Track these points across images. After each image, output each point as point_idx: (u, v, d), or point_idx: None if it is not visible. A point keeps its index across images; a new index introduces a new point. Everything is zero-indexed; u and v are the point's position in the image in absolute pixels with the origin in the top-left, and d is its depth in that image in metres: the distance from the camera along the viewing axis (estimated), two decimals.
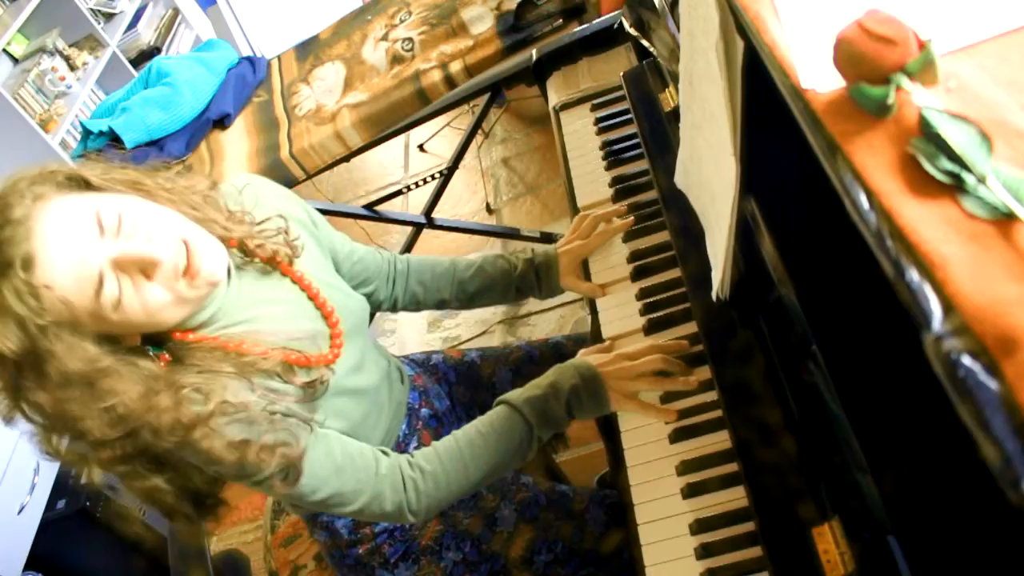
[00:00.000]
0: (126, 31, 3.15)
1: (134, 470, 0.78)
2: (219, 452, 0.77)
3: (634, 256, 1.14)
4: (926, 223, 0.45)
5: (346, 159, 1.85)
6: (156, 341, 0.83)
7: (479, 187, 2.82)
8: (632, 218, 1.17)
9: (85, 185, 0.78)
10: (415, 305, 1.18)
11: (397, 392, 1.09)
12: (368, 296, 1.11)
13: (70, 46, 2.94)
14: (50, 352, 0.70)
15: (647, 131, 1.23)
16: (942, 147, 0.48)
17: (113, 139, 1.85)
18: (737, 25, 0.67)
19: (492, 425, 0.94)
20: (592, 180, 1.30)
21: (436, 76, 1.70)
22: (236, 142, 1.86)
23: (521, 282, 1.16)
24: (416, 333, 2.47)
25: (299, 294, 0.93)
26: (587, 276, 1.16)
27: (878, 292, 0.50)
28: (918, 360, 0.44)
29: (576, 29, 1.61)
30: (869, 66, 0.52)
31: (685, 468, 0.89)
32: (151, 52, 3.16)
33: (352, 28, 1.99)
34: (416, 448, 1.00)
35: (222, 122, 1.91)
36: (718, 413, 0.90)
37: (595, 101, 1.43)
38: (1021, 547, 0.50)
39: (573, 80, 1.52)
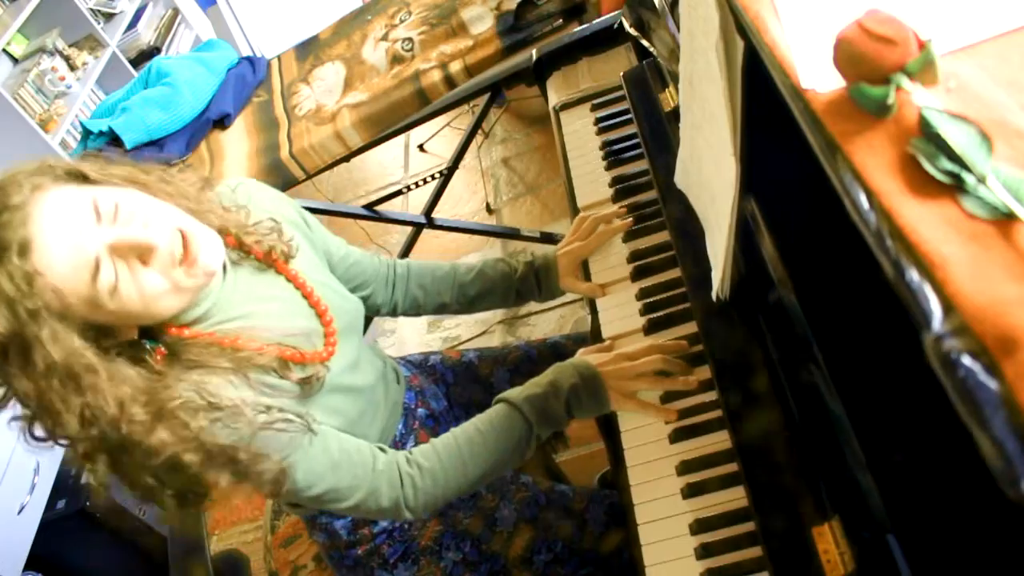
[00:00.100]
0: (126, 31, 3.15)
1: (116, 461, 0.77)
2: (197, 463, 0.77)
3: (634, 256, 1.14)
4: (926, 223, 0.45)
5: (346, 159, 1.85)
6: (152, 336, 0.83)
7: (479, 187, 2.82)
8: (631, 219, 1.18)
9: (83, 179, 0.79)
10: (415, 309, 1.18)
11: (393, 392, 1.09)
12: (365, 299, 1.11)
13: (70, 46, 2.94)
14: (37, 339, 0.70)
15: (647, 131, 1.23)
16: (942, 147, 0.48)
17: (113, 139, 1.85)
18: (737, 25, 0.67)
19: (491, 423, 0.94)
20: (592, 180, 1.30)
21: (436, 76, 1.70)
22: (236, 142, 1.86)
23: (521, 285, 1.16)
24: (416, 333, 2.47)
25: (293, 292, 0.93)
26: (587, 276, 1.16)
27: (878, 292, 0.50)
28: (918, 360, 0.44)
29: (576, 29, 1.61)
30: (869, 66, 0.52)
31: (685, 468, 0.89)
32: (151, 52, 3.16)
33: (352, 28, 1.99)
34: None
35: (222, 122, 1.91)
36: (718, 413, 0.90)
37: (595, 101, 1.43)
38: (1021, 546, 0.50)
39: (573, 80, 1.52)
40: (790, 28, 0.62)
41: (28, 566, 1.81)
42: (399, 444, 1.06)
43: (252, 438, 0.80)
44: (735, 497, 0.84)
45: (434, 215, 2.17)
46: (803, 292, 0.75)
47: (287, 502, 1.08)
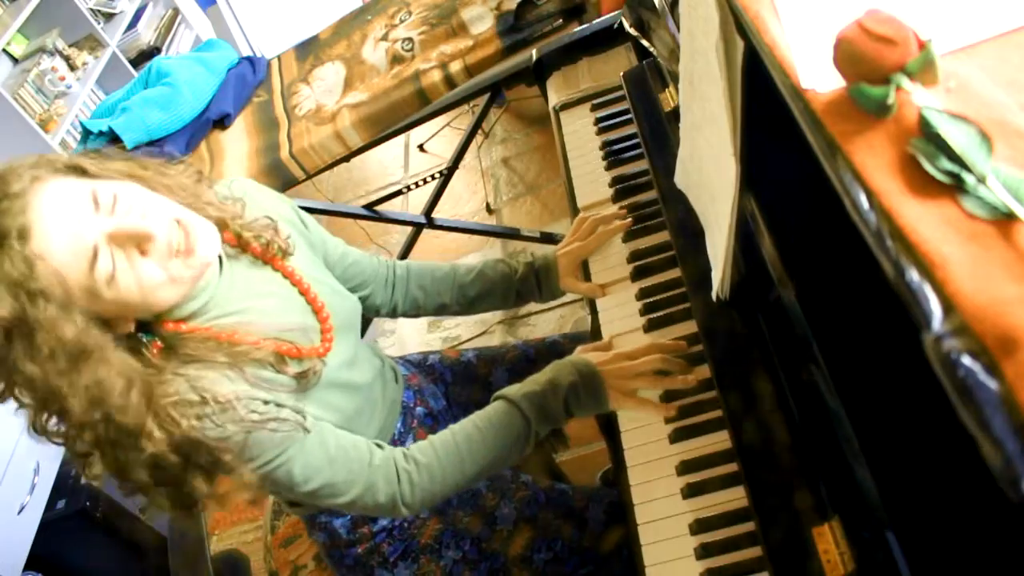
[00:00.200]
0: (126, 31, 3.15)
1: (115, 456, 0.78)
2: (178, 463, 0.77)
3: (634, 256, 1.14)
4: (926, 223, 0.45)
5: (346, 159, 1.85)
6: (149, 331, 0.83)
7: (479, 187, 2.82)
8: (631, 219, 1.18)
9: (82, 172, 0.80)
10: (415, 310, 1.18)
11: (391, 390, 1.09)
12: (364, 300, 1.12)
13: (70, 46, 2.94)
14: (39, 321, 0.70)
15: (647, 131, 1.23)
16: (942, 147, 0.48)
17: (113, 139, 1.85)
18: (737, 25, 0.67)
19: (489, 419, 0.94)
20: (592, 180, 1.30)
21: (436, 76, 1.70)
22: (236, 142, 1.86)
23: (522, 285, 1.16)
24: (416, 333, 2.47)
25: (290, 289, 0.94)
26: (587, 277, 1.16)
27: (878, 292, 0.50)
28: (918, 360, 0.44)
29: (576, 29, 1.61)
30: (869, 66, 0.52)
31: (685, 468, 0.89)
32: (151, 52, 3.16)
33: (352, 28, 1.99)
34: None
35: (222, 122, 1.91)
36: (718, 413, 0.90)
37: (595, 101, 1.43)
38: (1020, 546, 0.50)
39: (573, 80, 1.52)
40: (790, 28, 0.62)
41: (28, 566, 1.81)
42: (397, 442, 1.06)
43: (242, 436, 0.80)
44: (735, 497, 0.84)
45: (434, 215, 2.17)
46: (803, 292, 0.75)
47: (286, 500, 1.09)
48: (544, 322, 2.25)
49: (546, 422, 0.95)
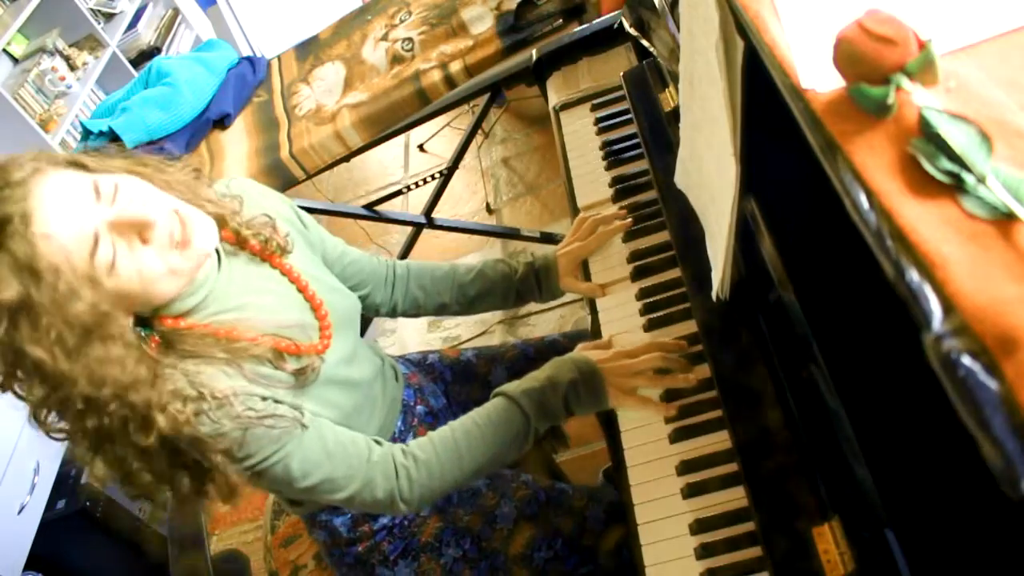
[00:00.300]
0: (126, 31, 3.15)
1: (115, 453, 0.78)
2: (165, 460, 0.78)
3: (634, 256, 1.14)
4: (926, 223, 0.45)
5: (346, 159, 1.85)
6: (147, 326, 0.83)
7: (479, 187, 2.82)
8: (631, 219, 1.18)
9: (83, 167, 0.80)
10: (415, 310, 1.18)
11: (391, 389, 1.09)
12: (364, 299, 1.12)
13: (70, 46, 2.94)
14: (44, 304, 0.71)
15: (647, 131, 1.23)
16: (942, 147, 0.48)
17: (113, 139, 1.85)
18: (737, 25, 0.67)
19: (489, 416, 0.94)
20: (592, 180, 1.30)
21: (436, 76, 1.70)
22: (236, 142, 1.86)
23: (521, 285, 1.16)
24: (416, 333, 2.47)
25: (288, 286, 0.94)
26: (587, 277, 1.16)
27: (878, 292, 0.50)
28: (918, 360, 0.44)
29: (576, 29, 1.61)
30: (869, 66, 0.52)
31: (685, 468, 0.89)
32: (151, 52, 3.16)
33: (352, 28, 1.99)
34: None
35: (222, 122, 1.91)
36: (718, 413, 0.90)
37: (595, 101, 1.43)
38: (1020, 545, 0.50)
39: (573, 80, 1.52)
40: (790, 28, 0.62)
41: (28, 566, 1.81)
42: (398, 440, 1.06)
43: (239, 433, 0.80)
44: (735, 497, 0.84)
45: (434, 215, 2.17)
46: (803, 292, 0.75)
47: (286, 499, 1.09)
48: (544, 322, 2.25)
49: (545, 419, 0.95)
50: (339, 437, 0.90)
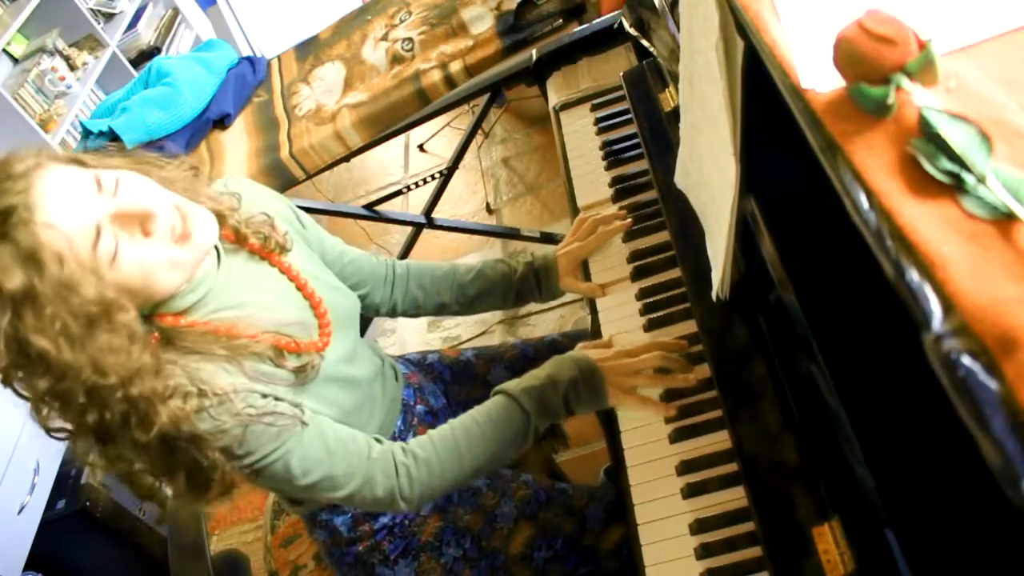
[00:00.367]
0: (126, 31, 3.15)
1: (115, 448, 0.78)
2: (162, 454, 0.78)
3: (634, 256, 1.14)
4: (926, 223, 0.45)
5: (346, 159, 1.85)
6: (147, 323, 0.83)
7: (479, 187, 2.82)
8: (631, 220, 1.18)
9: (83, 164, 0.80)
10: (415, 310, 1.18)
11: (391, 388, 1.09)
12: (363, 299, 1.12)
13: (70, 46, 2.94)
14: (48, 295, 0.71)
15: (647, 131, 1.23)
16: (942, 147, 0.48)
17: (113, 139, 1.85)
18: (737, 25, 0.67)
19: (489, 414, 0.94)
20: (592, 180, 1.30)
21: (436, 76, 1.70)
22: (236, 142, 1.86)
23: (521, 285, 1.16)
24: (416, 333, 2.47)
25: (287, 284, 0.94)
26: (587, 277, 1.16)
27: (878, 292, 0.50)
28: (918, 360, 0.44)
29: (576, 29, 1.61)
30: (869, 66, 0.52)
31: (685, 468, 0.90)
32: (151, 52, 3.16)
33: (352, 28, 1.99)
34: None
35: (222, 122, 1.91)
36: (718, 413, 0.90)
37: (595, 101, 1.43)
38: (1020, 545, 0.50)
39: (573, 80, 1.52)
40: (790, 28, 0.62)
41: (28, 566, 1.81)
42: (398, 440, 1.06)
43: (240, 430, 0.80)
44: (735, 497, 0.84)
45: (434, 215, 2.18)
46: (803, 292, 0.75)
47: (286, 498, 1.09)
48: (544, 322, 2.25)
49: (545, 417, 0.95)
50: (339, 434, 0.90)
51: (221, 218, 0.89)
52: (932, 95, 0.51)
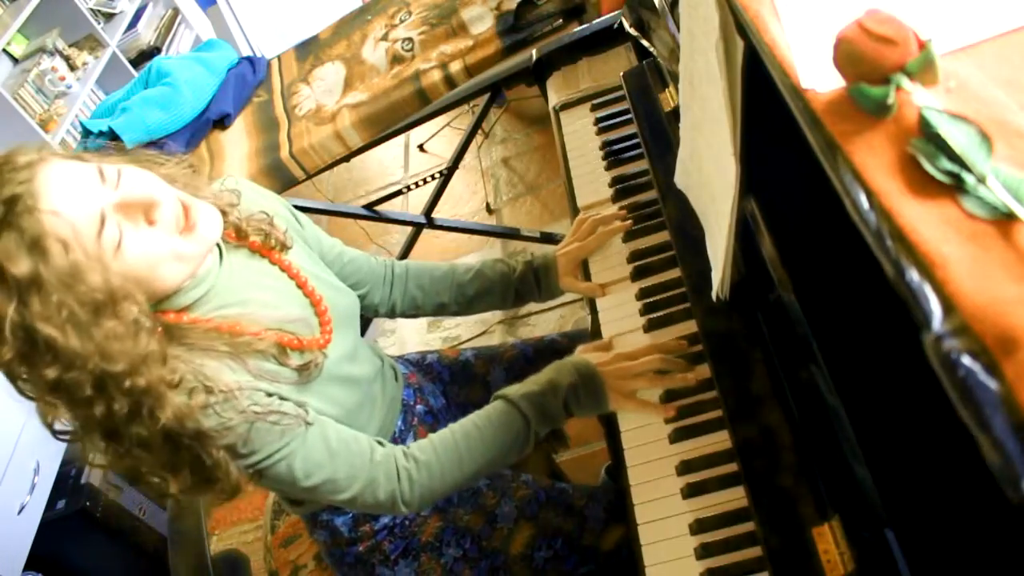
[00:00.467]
0: (126, 31, 3.15)
1: (122, 444, 0.77)
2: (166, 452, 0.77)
3: (634, 256, 1.14)
4: (926, 223, 0.45)
5: (346, 159, 1.85)
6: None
7: (479, 187, 2.82)
8: (631, 220, 1.18)
9: (85, 160, 0.81)
10: (414, 310, 1.18)
11: (391, 388, 1.09)
12: (363, 299, 1.12)
13: (70, 46, 2.94)
14: (53, 283, 0.71)
15: (647, 131, 1.23)
16: (942, 147, 0.48)
17: (113, 139, 1.85)
18: (737, 25, 0.67)
19: (489, 418, 0.94)
20: (592, 180, 1.30)
21: (436, 76, 1.70)
22: (236, 142, 1.86)
23: (520, 284, 1.16)
24: (416, 333, 2.47)
25: (288, 282, 0.94)
26: (587, 277, 1.16)
27: (878, 292, 0.50)
28: (918, 360, 0.44)
29: (576, 29, 1.61)
30: (869, 66, 0.52)
31: (685, 468, 0.90)
32: (151, 52, 3.16)
33: (352, 28, 1.99)
34: None
35: (222, 122, 1.91)
36: (718, 413, 0.90)
37: (595, 101, 1.43)
38: (1020, 546, 0.50)
39: (573, 80, 1.52)
40: (790, 28, 0.62)
41: (28, 566, 1.81)
42: (398, 440, 1.07)
43: (245, 428, 0.80)
44: (735, 497, 0.84)
45: (434, 215, 2.17)
46: (803, 292, 0.75)
47: (287, 499, 1.09)
48: (544, 322, 2.25)
49: (545, 422, 0.95)
50: (342, 436, 0.90)
51: (222, 214, 0.89)
52: (932, 95, 0.51)
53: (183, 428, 0.76)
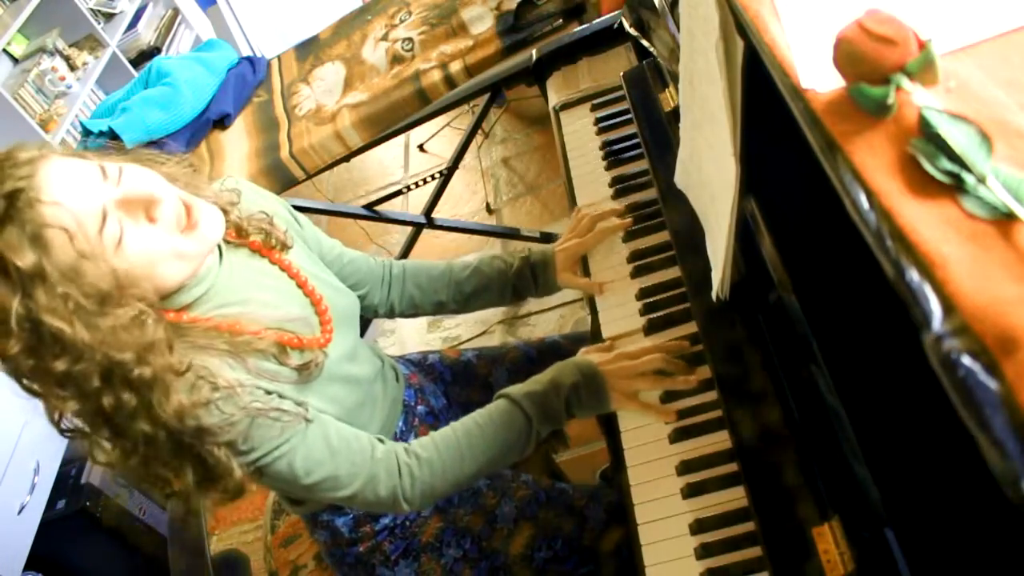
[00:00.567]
0: (126, 31, 3.15)
1: (129, 439, 0.77)
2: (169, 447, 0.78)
3: (634, 256, 1.14)
4: (926, 223, 0.45)
5: (346, 159, 1.85)
6: None
7: (479, 187, 2.82)
8: (630, 218, 1.17)
9: (85, 158, 0.81)
10: (413, 309, 1.18)
11: (392, 389, 1.09)
12: (362, 299, 1.12)
13: (70, 46, 2.94)
14: (56, 273, 0.71)
15: (647, 131, 1.23)
16: (942, 147, 0.48)
17: (113, 139, 1.85)
18: (737, 25, 0.67)
19: (491, 417, 0.94)
20: (592, 180, 1.30)
21: (436, 76, 1.70)
22: (236, 142, 1.86)
23: (518, 280, 1.16)
24: (416, 333, 2.47)
25: (288, 281, 0.94)
26: (587, 275, 1.16)
27: (878, 292, 0.50)
28: (918, 360, 0.44)
29: (576, 29, 1.61)
30: (869, 66, 0.52)
31: (685, 468, 0.89)
32: (151, 52, 3.16)
33: (352, 28, 1.99)
34: None
35: (222, 122, 1.91)
36: (718, 413, 0.90)
37: (595, 101, 1.43)
38: (1020, 546, 0.50)
39: (573, 80, 1.52)
40: (790, 28, 0.62)
41: (28, 566, 1.81)
42: (399, 440, 1.06)
43: (245, 424, 0.80)
44: (735, 497, 0.84)
45: (434, 215, 2.18)
46: (803, 292, 0.75)
47: (287, 498, 1.09)
48: (544, 322, 2.25)
49: (547, 422, 0.95)
50: (343, 432, 0.90)
51: (223, 213, 0.89)
52: (932, 95, 0.51)
53: (184, 425, 0.76)
